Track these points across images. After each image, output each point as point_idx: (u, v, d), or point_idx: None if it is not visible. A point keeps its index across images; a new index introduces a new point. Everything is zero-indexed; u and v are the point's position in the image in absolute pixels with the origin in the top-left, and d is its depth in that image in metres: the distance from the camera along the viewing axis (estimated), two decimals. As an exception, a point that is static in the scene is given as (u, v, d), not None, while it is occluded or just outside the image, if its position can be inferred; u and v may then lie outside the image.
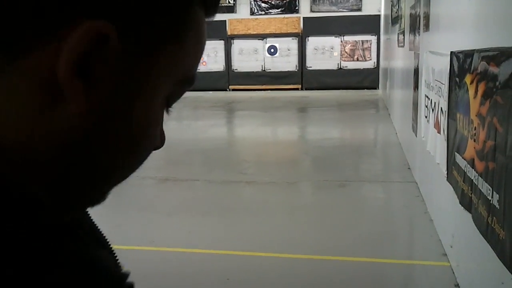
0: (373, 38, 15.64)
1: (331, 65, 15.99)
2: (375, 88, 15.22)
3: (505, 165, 2.06)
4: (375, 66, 15.62)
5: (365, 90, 15.27)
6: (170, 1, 0.37)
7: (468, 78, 2.79)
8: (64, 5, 0.33)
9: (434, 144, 3.88)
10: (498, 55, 2.23)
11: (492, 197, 2.22)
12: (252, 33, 16.40)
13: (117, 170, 0.40)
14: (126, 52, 0.36)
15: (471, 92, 2.69)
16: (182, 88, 0.43)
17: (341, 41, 15.96)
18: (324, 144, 7.87)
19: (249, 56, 16.41)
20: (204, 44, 0.42)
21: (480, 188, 2.42)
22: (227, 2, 16.23)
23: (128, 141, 0.39)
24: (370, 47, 15.80)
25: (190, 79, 0.42)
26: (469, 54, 2.78)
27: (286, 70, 16.22)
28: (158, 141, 0.43)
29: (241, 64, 16.40)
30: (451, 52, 3.24)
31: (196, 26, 0.40)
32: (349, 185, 5.59)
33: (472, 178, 2.60)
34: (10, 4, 0.33)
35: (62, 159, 0.36)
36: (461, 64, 2.97)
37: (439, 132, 3.70)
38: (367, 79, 15.69)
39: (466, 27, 3.04)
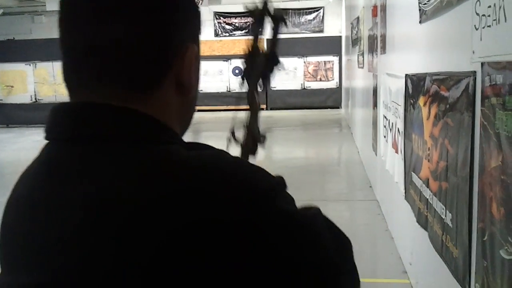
0: (335, 59, 15.95)
1: (295, 85, 16.20)
2: (338, 108, 15.48)
3: (456, 185, 2.13)
4: (338, 86, 15.90)
5: (328, 109, 15.52)
6: (198, 39, 0.73)
7: (421, 100, 2.88)
8: (187, 38, 0.69)
9: (393, 163, 3.98)
10: (448, 79, 2.33)
11: (445, 216, 2.30)
12: (216, 54, 16.49)
13: (191, 117, 0.77)
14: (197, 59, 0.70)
15: (425, 113, 2.78)
16: None
17: (304, 62, 16.22)
18: (289, 164, 7.93)
19: (214, 77, 16.46)
20: None
21: (435, 207, 2.49)
22: (191, 23, 16.28)
23: (195, 103, 0.75)
24: (333, 68, 16.10)
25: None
26: (421, 77, 2.88)
27: (251, 90, 16.32)
28: None
29: (206, 85, 16.42)
30: (406, 75, 3.35)
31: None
32: (314, 204, 5.63)
33: (427, 197, 2.68)
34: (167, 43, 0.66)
35: (182, 114, 0.72)
36: (415, 86, 3.08)
37: (397, 152, 3.80)
38: (330, 99, 15.95)
39: (419, 50, 3.15)
